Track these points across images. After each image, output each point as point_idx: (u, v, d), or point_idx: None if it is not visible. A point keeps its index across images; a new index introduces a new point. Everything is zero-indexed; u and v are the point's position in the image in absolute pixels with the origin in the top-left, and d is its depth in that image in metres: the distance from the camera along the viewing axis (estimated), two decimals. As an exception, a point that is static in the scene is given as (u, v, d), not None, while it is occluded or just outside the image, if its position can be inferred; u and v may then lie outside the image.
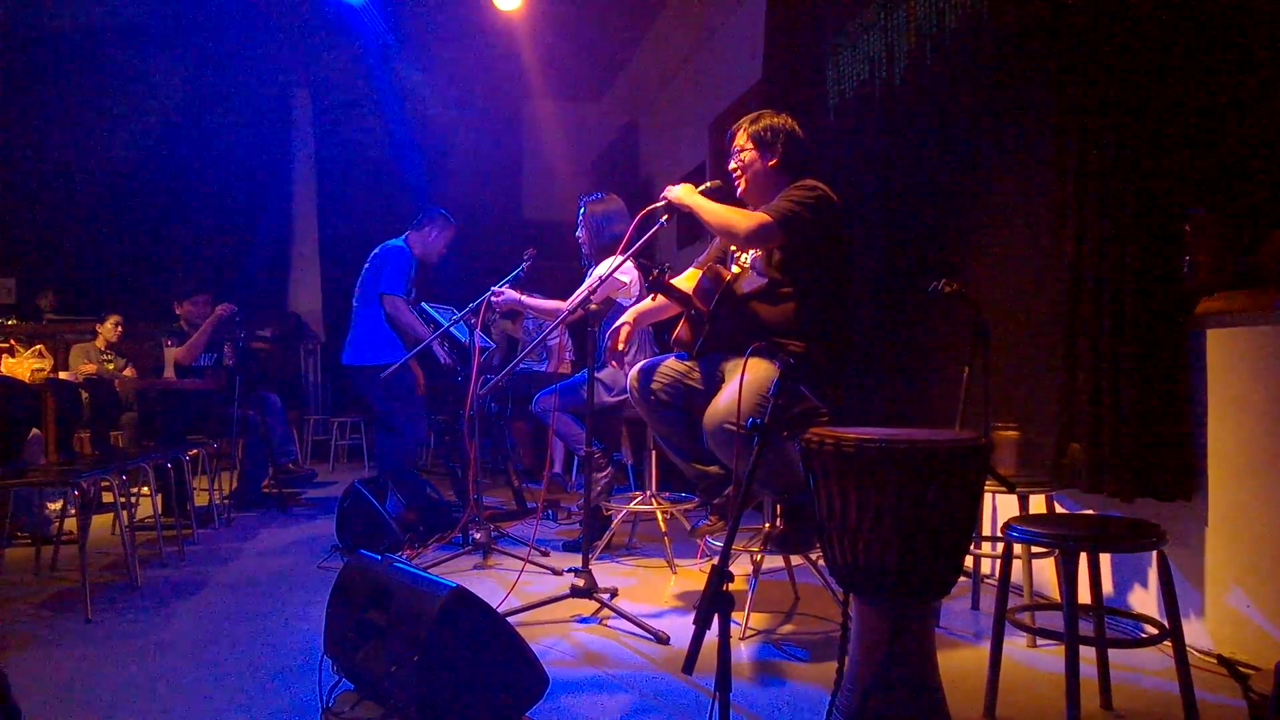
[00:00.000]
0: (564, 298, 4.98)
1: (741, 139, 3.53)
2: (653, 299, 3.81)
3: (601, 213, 4.83)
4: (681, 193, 3.45)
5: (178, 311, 6.71)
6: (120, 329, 7.26)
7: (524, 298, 4.91)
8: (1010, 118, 3.73)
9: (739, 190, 3.57)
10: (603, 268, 4.26)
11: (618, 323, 3.71)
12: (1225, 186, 2.94)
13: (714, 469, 3.50)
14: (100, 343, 7.18)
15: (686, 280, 3.67)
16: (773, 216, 3.24)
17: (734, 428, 3.05)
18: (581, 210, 4.88)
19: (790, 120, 3.54)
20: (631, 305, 4.44)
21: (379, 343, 5.34)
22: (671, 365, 3.57)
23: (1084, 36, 3.20)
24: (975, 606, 3.58)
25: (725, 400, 3.14)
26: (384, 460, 5.51)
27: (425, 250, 5.61)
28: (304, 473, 7.32)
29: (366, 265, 5.55)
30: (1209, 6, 2.92)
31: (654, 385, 3.52)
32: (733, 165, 3.56)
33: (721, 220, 3.35)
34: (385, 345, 5.31)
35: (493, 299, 4.78)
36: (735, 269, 3.56)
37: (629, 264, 4.38)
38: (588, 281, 4.51)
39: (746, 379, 2.93)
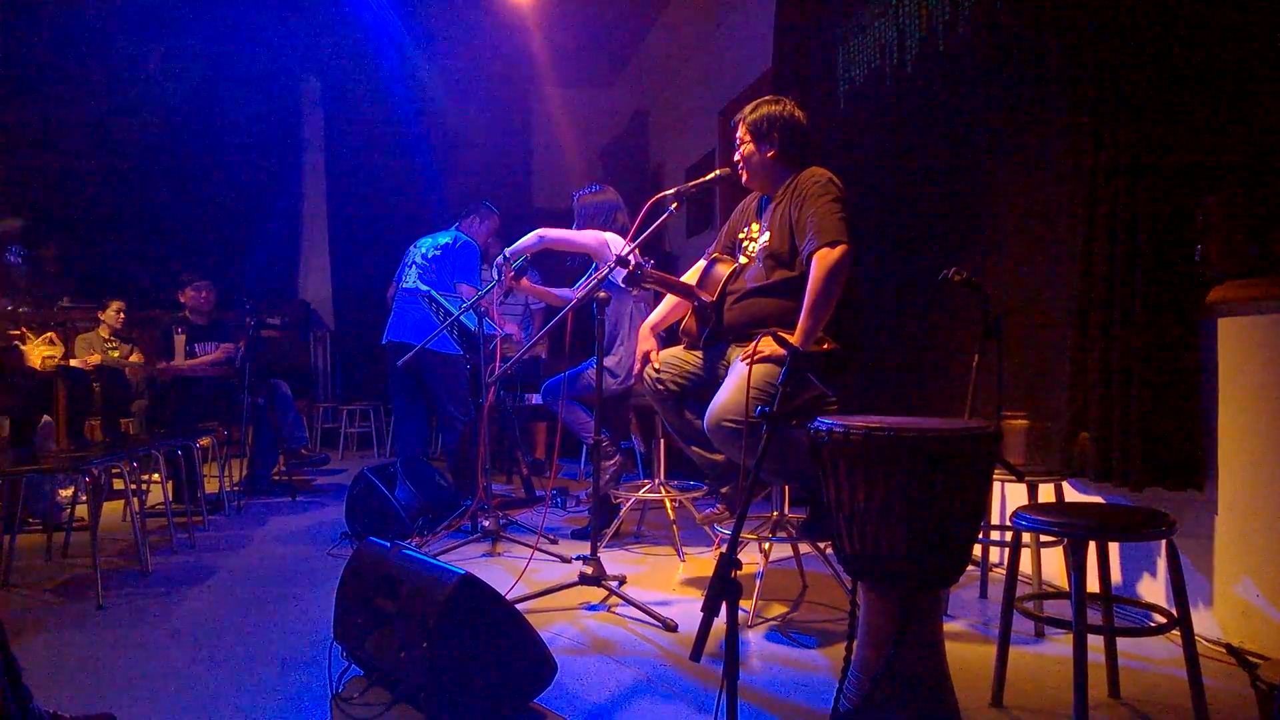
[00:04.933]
0: (572, 286, 4.97)
1: (741, 130, 3.52)
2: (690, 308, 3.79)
3: (588, 207, 4.86)
4: (770, 348, 3.13)
5: (182, 300, 6.72)
6: (123, 315, 7.25)
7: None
8: (1023, 105, 3.71)
9: (743, 181, 3.57)
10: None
11: (642, 349, 3.69)
12: (1237, 175, 2.93)
13: (721, 457, 3.51)
14: (104, 330, 7.19)
15: (695, 273, 3.67)
16: (842, 239, 3.15)
17: (732, 424, 3.06)
18: (574, 202, 4.91)
19: (790, 106, 3.48)
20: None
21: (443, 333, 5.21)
22: (678, 355, 3.58)
23: (1098, 23, 3.18)
24: (983, 595, 3.58)
25: (723, 398, 3.15)
26: (450, 450, 5.45)
27: (477, 241, 5.58)
28: (317, 456, 7.34)
29: (436, 252, 5.45)
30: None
31: (662, 374, 3.54)
32: (736, 157, 3.56)
33: (825, 301, 3.14)
34: (448, 336, 5.23)
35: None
36: (743, 259, 3.56)
37: (615, 242, 4.43)
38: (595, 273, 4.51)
39: (753, 369, 2.94)
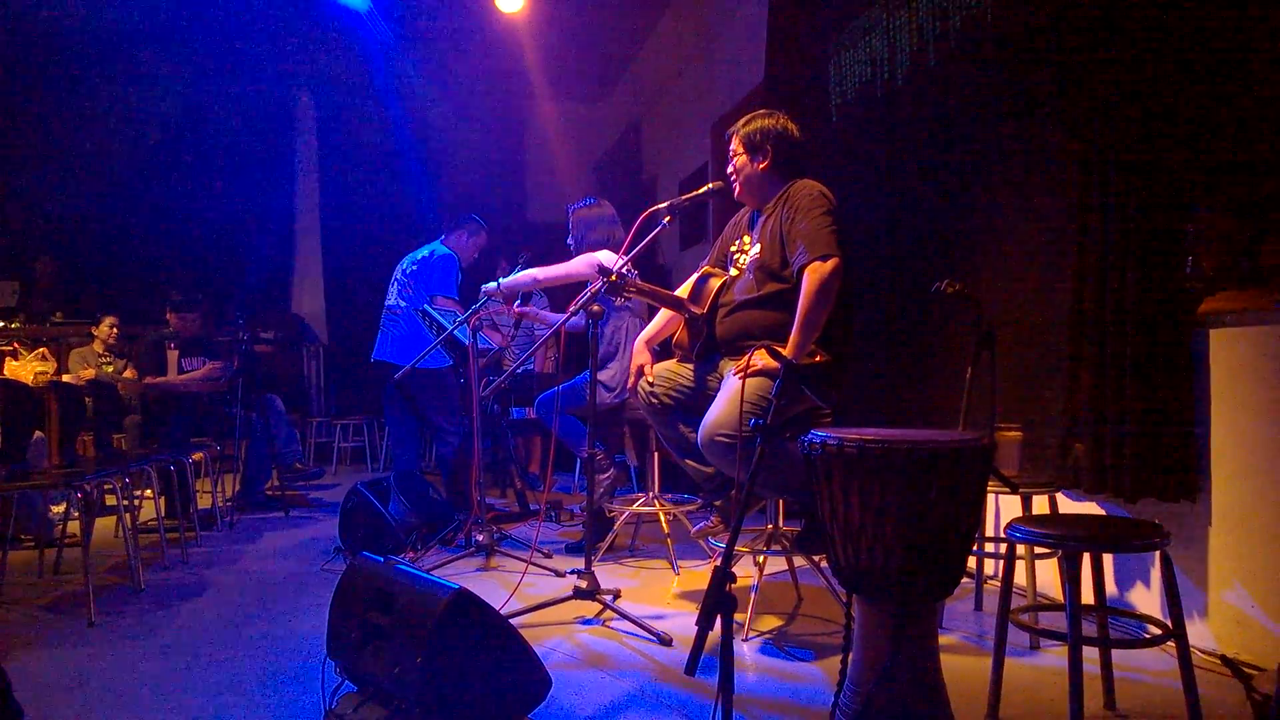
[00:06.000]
0: (566, 299, 4.96)
1: (734, 143, 3.54)
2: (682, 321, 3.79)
3: (585, 219, 4.88)
4: (763, 361, 3.16)
5: (169, 318, 6.70)
6: (116, 330, 7.23)
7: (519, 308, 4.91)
8: (1013, 118, 3.72)
9: (735, 194, 3.58)
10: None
11: (636, 362, 3.69)
12: (1228, 187, 2.94)
13: (713, 469, 3.50)
14: (98, 345, 7.17)
15: (688, 286, 3.68)
16: (833, 253, 3.17)
17: (726, 438, 3.05)
18: (569, 216, 4.92)
19: (783, 120, 3.52)
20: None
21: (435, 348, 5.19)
22: (672, 368, 3.58)
23: (1087, 37, 3.20)
24: (978, 607, 3.58)
25: (717, 412, 3.15)
26: (444, 463, 5.44)
27: (460, 255, 5.57)
28: (311, 470, 7.32)
29: (414, 268, 5.44)
30: (1212, 7, 2.91)
31: (656, 389, 3.54)
32: (729, 170, 3.57)
33: (817, 314, 3.16)
34: (437, 350, 5.21)
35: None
36: (734, 272, 3.56)
37: (609, 259, 4.44)
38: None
39: (746, 382, 2.94)
